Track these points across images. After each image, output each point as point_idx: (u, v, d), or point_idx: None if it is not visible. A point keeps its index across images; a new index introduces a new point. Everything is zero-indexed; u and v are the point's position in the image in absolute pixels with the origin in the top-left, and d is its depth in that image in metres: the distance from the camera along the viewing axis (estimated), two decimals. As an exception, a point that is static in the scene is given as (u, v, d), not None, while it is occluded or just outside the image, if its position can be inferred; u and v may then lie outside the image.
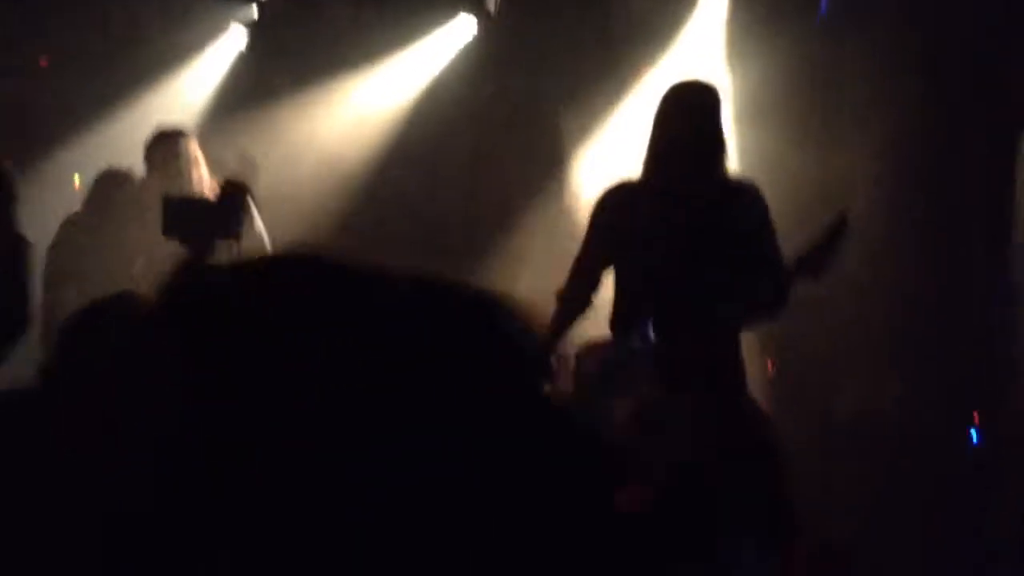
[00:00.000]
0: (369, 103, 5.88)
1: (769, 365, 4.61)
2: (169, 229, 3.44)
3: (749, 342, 4.50)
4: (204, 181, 4.02)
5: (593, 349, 2.94)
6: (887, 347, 4.59)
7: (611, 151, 4.79)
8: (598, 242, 3.13)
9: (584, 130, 5.03)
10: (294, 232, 5.36)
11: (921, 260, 4.52)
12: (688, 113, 2.96)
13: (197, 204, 3.44)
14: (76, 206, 4.87)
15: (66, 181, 5.53)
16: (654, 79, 4.67)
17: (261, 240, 4.08)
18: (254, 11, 5.80)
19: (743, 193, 3.04)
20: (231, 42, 5.82)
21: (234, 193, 3.38)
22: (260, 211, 4.23)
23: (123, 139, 5.40)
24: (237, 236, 3.28)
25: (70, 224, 4.62)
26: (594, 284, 3.19)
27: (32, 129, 5.55)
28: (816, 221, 3.09)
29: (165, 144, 3.98)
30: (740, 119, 4.74)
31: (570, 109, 5.06)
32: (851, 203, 4.29)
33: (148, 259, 3.84)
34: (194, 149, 4.12)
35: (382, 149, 6.01)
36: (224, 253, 3.31)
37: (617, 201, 3.13)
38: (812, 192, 4.42)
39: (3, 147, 5.01)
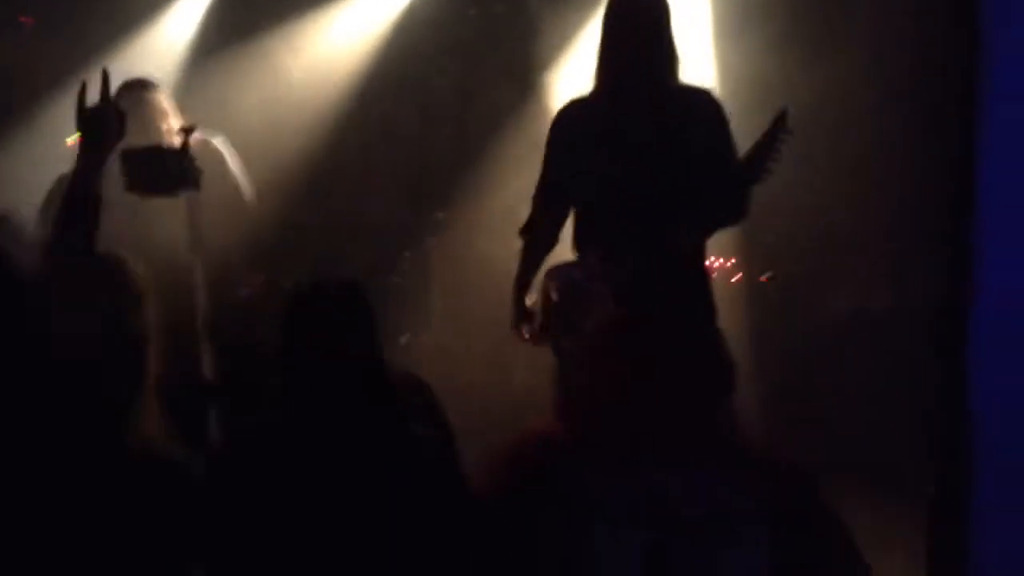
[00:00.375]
0: (350, 34, 5.88)
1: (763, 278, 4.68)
2: (132, 184, 3.53)
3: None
4: (172, 132, 4.04)
5: (557, 272, 2.96)
6: (876, 257, 4.61)
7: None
8: (554, 163, 3.09)
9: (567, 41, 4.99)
10: (283, 170, 5.50)
11: (908, 171, 4.50)
12: (629, 18, 2.87)
13: (156, 155, 3.47)
14: (69, 163, 4.94)
15: (58, 138, 5.61)
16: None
17: (236, 185, 4.11)
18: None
19: (694, 97, 2.96)
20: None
21: (186, 140, 3.43)
22: (242, 154, 4.29)
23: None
24: (197, 185, 3.36)
25: (62, 181, 4.70)
26: (557, 214, 3.12)
27: (21, 87, 5.62)
28: (802, 135, 3.00)
29: (131, 95, 3.99)
30: (721, 33, 4.69)
31: (550, 22, 5.02)
32: (838, 116, 4.29)
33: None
34: (162, 99, 4.12)
35: (368, 80, 6.07)
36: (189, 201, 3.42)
37: (568, 118, 3.08)
38: (797, 106, 4.41)
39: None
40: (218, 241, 4.00)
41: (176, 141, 4.01)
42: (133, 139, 3.83)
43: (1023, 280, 1.60)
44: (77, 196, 2.09)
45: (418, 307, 5.30)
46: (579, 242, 3.03)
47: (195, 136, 3.94)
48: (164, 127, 4.04)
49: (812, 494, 1.61)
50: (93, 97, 2.28)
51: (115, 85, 4.39)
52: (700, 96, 2.98)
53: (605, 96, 2.93)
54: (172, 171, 3.36)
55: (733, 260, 4.58)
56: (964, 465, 1.61)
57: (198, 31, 5.88)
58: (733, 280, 4.60)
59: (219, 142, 4.20)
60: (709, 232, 2.92)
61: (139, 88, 4.08)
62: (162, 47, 5.76)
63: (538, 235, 3.11)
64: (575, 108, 3.07)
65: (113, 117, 2.16)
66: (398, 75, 6.26)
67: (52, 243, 2.04)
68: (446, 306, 5.22)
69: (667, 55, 2.89)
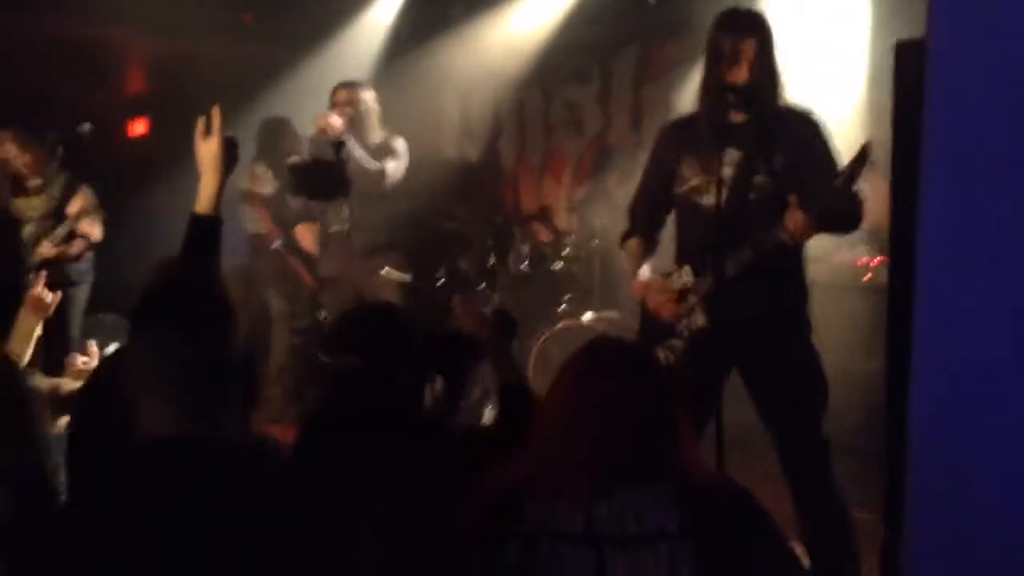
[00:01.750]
0: (525, 27, 6.27)
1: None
2: (297, 190, 4.14)
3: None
4: (376, 129, 4.59)
5: (652, 285, 3.09)
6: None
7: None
8: (654, 174, 3.17)
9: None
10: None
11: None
12: (733, 42, 2.90)
13: (318, 167, 3.96)
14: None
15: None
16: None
17: (380, 177, 4.48)
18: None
19: (796, 117, 2.98)
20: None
21: (339, 153, 3.94)
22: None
23: (315, 82, 6.12)
24: (347, 192, 3.87)
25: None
26: (653, 224, 3.21)
27: (241, 80, 6.31)
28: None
29: (346, 93, 4.57)
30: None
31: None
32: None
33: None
34: (370, 98, 4.63)
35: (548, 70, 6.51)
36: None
37: (672, 132, 3.17)
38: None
39: (217, 97, 5.77)
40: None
41: (377, 136, 4.57)
42: (352, 123, 4.42)
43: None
44: (201, 223, 2.28)
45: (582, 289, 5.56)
46: (679, 253, 3.14)
47: (378, 136, 4.50)
48: (370, 123, 4.56)
49: (747, 515, 1.73)
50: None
51: (328, 84, 5.02)
52: (802, 116, 2.99)
53: (708, 114, 2.99)
54: (329, 180, 3.85)
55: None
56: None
57: (390, 31, 6.42)
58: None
59: (397, 143, 4.65)
60: (822, 229, 2.93)
61: (350, 88, 4.61)
62: (361, 46, 6.33)
63: (636, 243, 3.25)
64: (679, 123, 3.15)
65: (225, 150, 2.31)
66: (577, 65, 6.71)
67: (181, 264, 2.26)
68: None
69: (769, 76, 2.91)
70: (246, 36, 6.58)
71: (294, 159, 4.31)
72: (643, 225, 3.22)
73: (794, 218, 2.78)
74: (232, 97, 5.93)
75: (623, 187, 5.16)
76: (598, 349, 1.87)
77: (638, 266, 3.19)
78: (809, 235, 2.84)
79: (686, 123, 3.12)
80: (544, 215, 6.47)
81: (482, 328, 2.44)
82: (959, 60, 1.51)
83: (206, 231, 2.27)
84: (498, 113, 7.18)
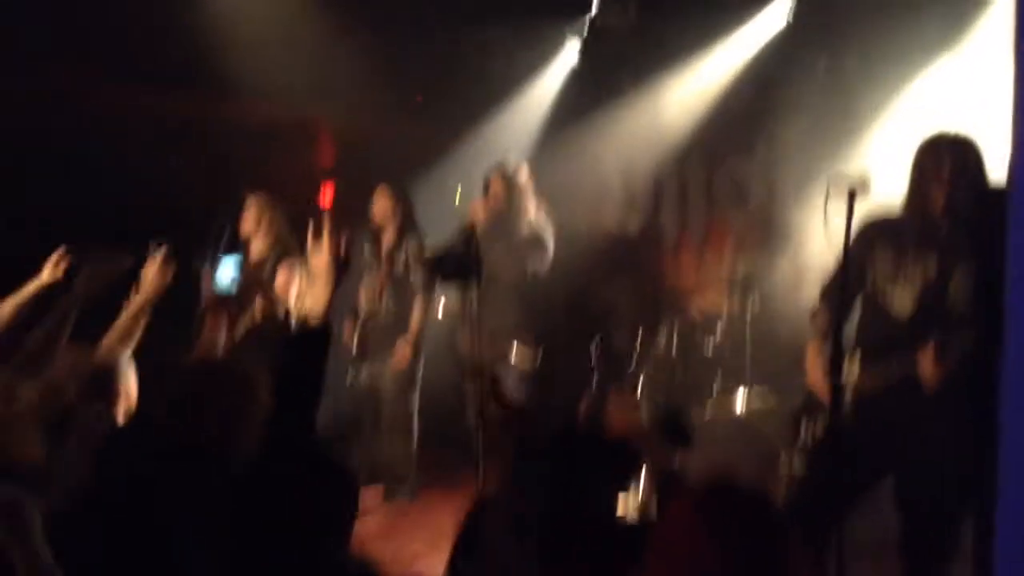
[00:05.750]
0: (688, 97, 6.37)
1: None
2: (431, 275, 4.34)
3: None
4: (529, 209, 4.82)
5: (821, 364, 3.25)
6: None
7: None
8: (853, 260, 3.18)
9: (878, 107, 5.11)
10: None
11: None
12: (937, 170, 3.05)
13: (451, 256, 4.14)
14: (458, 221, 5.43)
15: (447, 195, 6.58)
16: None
17: (530, 239, 4.69)
18: (586, 24, 6.49)
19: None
20: (565, 59, 6.60)
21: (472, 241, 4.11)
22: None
23: (485, 154, 6.42)
24: (479, 279, 4.06)
25: None
26: (843, 307, 3.25)
27: (414, 155, 6.69)
28: None
29: (500, 176, 4.83)
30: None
31: (867, 85, 5.15)
32: None
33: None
34: (523, 178, 4.88)
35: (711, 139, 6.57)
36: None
37: (868, 232, 3.26)
38: None
39: (391, 172, 6.19)
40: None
41: (532, 213, 4.78)
42: (497, 211, 4.64)
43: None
44: (311, 332, 2.30)
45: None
46: (857, 341, 3.26)
47: (527, 226, 4.70)
48: (522, 204, 4.83)
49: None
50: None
51: (496, 156, 5.29)
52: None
53: (912, 221, 3.13)
54: (463, 266, 4.04)
55: None
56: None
57: (555, 102, 6.66)
58: None
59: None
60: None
61: (503, 173, 4.90)
62: (528, 117, 6.59)
63: (824, 320, 3.37)
64: (879, 224, 3.25)
65: (335, 259, 2.34)
66: (741, 136, 6.76)
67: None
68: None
69: (967, 200, 3.01)
70: (419, 114, 7.01)
71: (431, 254, 4.58)
72: (834, 301, 3.29)
73: (927, 365, 2.94)
74: (406, 170, 6.44)
75: (785, 261, 5.14)
76: (717, 506, 1.88)
77: (820, 340, 3.31)
78: (937, 382, 2.96)
79: (885, 225, 3.24)
80: (699, 290, 6.46)
81: (639, 431, 2.38)
82: None
83: (315, 341, 2.26)
84: (660, 185, 7.27)
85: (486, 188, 4.86)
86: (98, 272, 3.21)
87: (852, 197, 2.97)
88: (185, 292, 4.52)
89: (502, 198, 4.78)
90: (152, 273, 3.24)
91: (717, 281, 6.70)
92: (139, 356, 3.10)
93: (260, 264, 4.92)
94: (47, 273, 3.30)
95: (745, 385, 5.14)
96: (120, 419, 2.80)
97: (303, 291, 4.92)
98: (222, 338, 4.07)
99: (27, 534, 2.16)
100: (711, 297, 6.56)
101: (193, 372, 2.52)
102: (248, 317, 4.37)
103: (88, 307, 3.15)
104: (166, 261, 2.95)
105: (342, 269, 2.34)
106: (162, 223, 4.57)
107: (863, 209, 3.14)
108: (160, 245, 3.04)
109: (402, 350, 5.19)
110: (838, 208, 2.97)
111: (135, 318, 3.15)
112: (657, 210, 7.32)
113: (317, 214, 6.13)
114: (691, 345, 5.58)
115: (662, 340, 5.53)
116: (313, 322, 2.28)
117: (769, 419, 4.79)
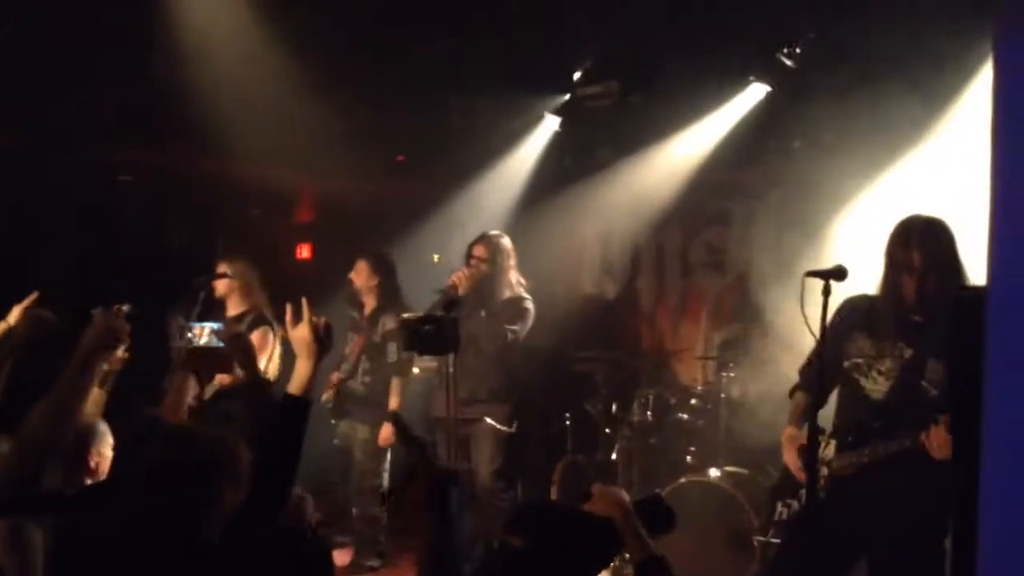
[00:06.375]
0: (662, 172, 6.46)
1: None
2: (408, 346, 4.30)
3: None
4: (512, 273, 4.89)
5: (797, 445, 3.24)
6: None
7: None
8: (829, 342, 3.17)
9: (859, 183, 5.15)
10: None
11: None
12: (906, 254, 3.06)
13: (426, 325, 4.02)
14: (437, 280, 5.23)
15: (427, 257, 6.58)
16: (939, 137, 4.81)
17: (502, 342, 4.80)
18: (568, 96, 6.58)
19: (973, 304, 3.04)
20: (547, 128, 6.69)
21: (451, 311, 4.12)
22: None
23: (464, 217, 6.45)
24: (456, 350, 4.03)
25: None
26: (823, 384, 3.24)
27: (395, 216, 6.71)
28: None
29: (484, 243, 4.89)
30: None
31: (848, 162, 5.19)
32: None
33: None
34: (506, 246, 4.94)
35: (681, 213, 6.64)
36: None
37: (847, 310, 3.25)
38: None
39: (371, 234, 6.19)
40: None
41: (513, 279, 4.81)
42: (481, 276, 4.67)
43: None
44: (294, 404, 2.38)
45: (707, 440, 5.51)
46: (834, 422, 3.24)
47: (509, 291, 4.74)
48: (505, 269, 4.87)
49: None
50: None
51: (474, 219, 5.26)
52: (977, 302, 3.04)
53: (887, 305, 3.12)
54: (441, 336, 3.98)
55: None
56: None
57: (535, 170, 6.73)
58: None
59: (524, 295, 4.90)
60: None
61: (489, 238, 4.93)
62: (507, 183, 6.66)
63: (802, 397, 3.37)
64: (858, 304, 3.24)
65: (315, 336, 2.42)
66: (718, 207, 6.83)
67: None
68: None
69: (951, 275, 3.00)
70: (400, 174, 7.04)
71: (407, 315, 4.52)
72: (813, 385, 3.25)
73: (939, 438, 2.88)
74: (385, 230, 6.44)
75: (761, 335, 5.15)
76: None
77: (795, 419, 3.30)
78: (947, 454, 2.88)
79: (864, 305, 3.23)
80: (675, 359, 6.46)
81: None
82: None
83: (297, 412, 2.35)
84: (638, 252, 7.31)
85: (469, 255, 4.87)
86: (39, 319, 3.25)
87: (827, 292, 3.01)
88: (159, 352, 4.51)
89: (486, 262, 4.79)
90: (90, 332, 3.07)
91: (693, 350, 6.76)
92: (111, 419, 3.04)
93: (234, 326, 4.89)
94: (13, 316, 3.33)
95: (721, 457, 5.12)
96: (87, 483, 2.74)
97: (274, 358, 5.02)
98: (190, 398, 4.00)
99: None
100: (687, 366, 6.59)
101: (173, 438, 2.46)
102: (219, 379, 4.32)
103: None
104: (106, 319, 2.76)
105: (323, 349, 2.44)
106: (137, 279, 4.53)
107: (840, 295, 3.17)
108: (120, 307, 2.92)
109: (385, 430, 5.22)
110: (814, 297, 3.02)
111: (72, 376, 2.98)
112: (634, 277, 7.38)
113: (298, 288, 6.11)
114: (667, 417, 5.56)
115: (637, 408, 5.53)
116: (295, 391, 2.36)
117: (744, 487, 4.77)
